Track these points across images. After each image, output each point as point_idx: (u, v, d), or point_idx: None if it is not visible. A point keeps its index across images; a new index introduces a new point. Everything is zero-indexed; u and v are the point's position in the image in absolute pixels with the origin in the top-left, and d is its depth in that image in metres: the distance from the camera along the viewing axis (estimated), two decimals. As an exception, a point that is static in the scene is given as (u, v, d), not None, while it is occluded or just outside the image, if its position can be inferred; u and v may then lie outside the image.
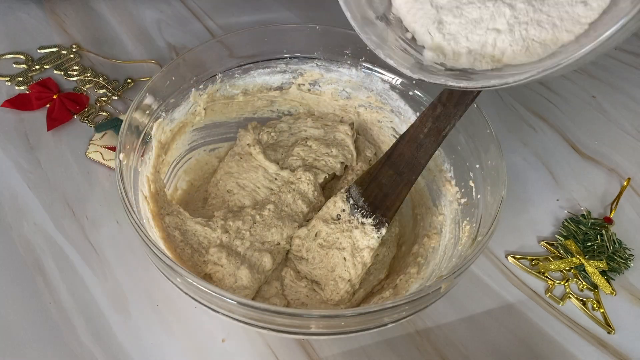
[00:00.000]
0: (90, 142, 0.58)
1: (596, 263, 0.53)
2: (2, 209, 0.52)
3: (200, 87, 0.53)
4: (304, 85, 0.58)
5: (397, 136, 0.57)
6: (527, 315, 0.50)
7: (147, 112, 0.48)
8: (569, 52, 0.33)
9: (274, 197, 0.51)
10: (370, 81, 0.56)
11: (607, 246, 0.54)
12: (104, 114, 0.62)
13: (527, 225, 0.57)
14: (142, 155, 0.47)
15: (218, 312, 0.39)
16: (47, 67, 0.66)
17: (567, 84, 0.73)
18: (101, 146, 0.58)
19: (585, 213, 0.57)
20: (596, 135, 0.67)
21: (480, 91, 0.43)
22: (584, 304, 0.51)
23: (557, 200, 0.59)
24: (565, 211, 0.58)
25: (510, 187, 0.55)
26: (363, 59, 0.56)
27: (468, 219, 0.47)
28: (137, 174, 0.46)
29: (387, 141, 0.58)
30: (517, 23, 0.36)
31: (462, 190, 0.50)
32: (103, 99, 0.63)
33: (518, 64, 0.37)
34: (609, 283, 0.52)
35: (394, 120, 0.57)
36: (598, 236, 0.55)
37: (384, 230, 0.47)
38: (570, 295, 0.51)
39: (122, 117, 0.61)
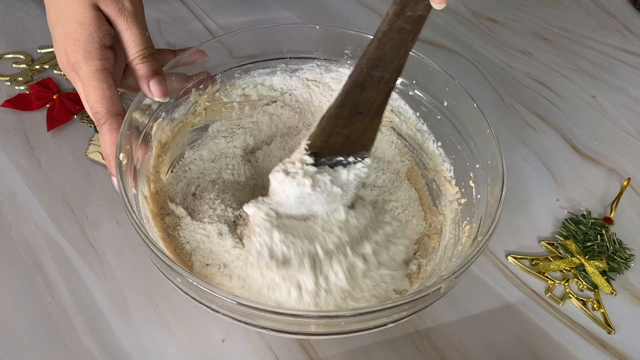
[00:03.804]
0: (90, 142, 0.58)
1: (596, 263, 0.53)
2: (2, 209, 0.52)
3: (200, 87, 0.53)
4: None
5: (398, 136, 0.57)
6: (527, 315, 0.50)
7: (147, 112, 0.48)
8: None
9: None
10: (370, 81, 0.56)
11: (607, 246, 0.54)
12: (104, 114, 0.62)
13: (527, 225, 0.57)
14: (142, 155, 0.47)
15: (218, 312, 0.39)
16: (47, 67, 0.66)
17: (567, 84, 0.73)
18: (100, 146, 0.58)
19: (585, 213, 0.57)
20: (596, 135, 0.67)
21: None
22: (584, 304, 0.51)
23: (557, 200, 0.59)
24: (565, 211, 0.58)
25: (510, 187, 0.55)
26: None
27: (468, 219, 0.47)
28: (137, 174, 0.46)
29: (385, 143, 0.58)
30: None
31: (462, 190, 0.50)
32: (103, 99, 0.63)
33: None
34: (609, 283, 0.52)
35: (394, 120, 0.57)
36: (598, 236, 0.55)
37: (368, 160, 0.46)
38: (571, 295, 0.51)
39: (122, 117, 0.61)
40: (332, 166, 0.45)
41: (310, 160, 0.43)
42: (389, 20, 0.38)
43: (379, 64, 0.40)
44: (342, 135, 0.44)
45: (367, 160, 0.45)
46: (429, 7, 0.38)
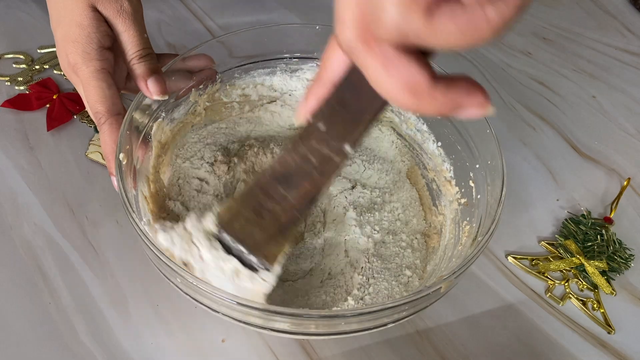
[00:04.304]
0: (90, 142, 0.58)
1: (596, 263, 0.53)
2: (2, 209, 0.52)
3: (200, 87, 0.53)
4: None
5: (398, 136, 0.57)
6: (527, 315, 0.50)
7: (147, 112, 0.48)
8: None
9: None
10: (370, 81, 0.56)
11: (607, 246, 0.54)
12: (104, 114, 0.62)
13: (527, 225, 0.57)
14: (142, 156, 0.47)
15: (218, 312, 0.39)
16: (47, 67, 0.66)
17: (567, 84, 0.73)
18: (101, 146, 0.58)
19: (585, 213, 0.57)
20: (596, 135, 0.67)
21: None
22: (584, 304, 0.51)
23: (557, 200, 0.59)
24: (565, 211, 0.58)
25: (510, 187, 0.55)
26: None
27: (468, 219, 0.47)
28: (137, 174, 0.46)
29: (386, 143, 0.58)
30: None
31: (462, 190, 0.50)
32: (103, 99, 0.63)
33: None
34: (609, 283, 0.52)
35: (394, 120, 0.57)
36: (598, 236, 0.55)
37: (268, 275, 0.38)
38: (571, 295, 0.51)
39: (122, 117, 0.61)
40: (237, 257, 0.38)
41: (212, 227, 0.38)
42: (293, 140, 0.33)
43: (283, 181, 0.35)
44: (248, 229, 0.37)
45: (267, 275, 0.38)
46: (345, 157, 0.32)
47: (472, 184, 0.49)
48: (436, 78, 0.25)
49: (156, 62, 0.47)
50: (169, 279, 0.40)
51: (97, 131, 0.59)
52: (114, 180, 0.43)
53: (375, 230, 0.49)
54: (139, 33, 0.46)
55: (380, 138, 0.58)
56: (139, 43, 0.46)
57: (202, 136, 0.54)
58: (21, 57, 0.67)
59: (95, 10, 0.44)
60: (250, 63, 0.56)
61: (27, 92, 0.63)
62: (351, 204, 0.50)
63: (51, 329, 0.45)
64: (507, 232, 0.55)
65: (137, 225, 0.39)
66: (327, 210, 0.51)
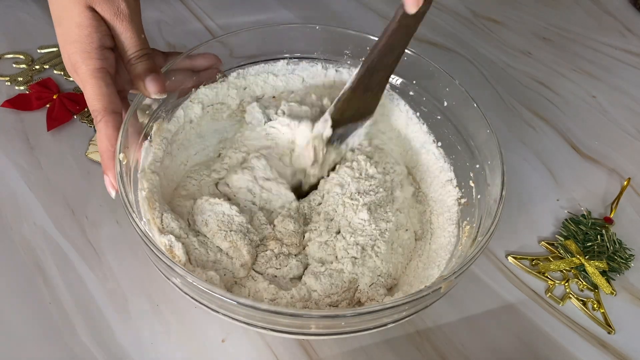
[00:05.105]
0: (90, 142, 0.58)
1: (596, 263, 0.53)
2: (2, 209, 0.52)
3: (201, 87, 0.53)
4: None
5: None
6: (527, 315, 0.50)
7: (147, 112, 0.48)
8: None
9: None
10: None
11: (607, 246, 0.54)
12: (104, 114, 0.62)
13: (527, 225, 0.57)
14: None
15: (218, 312, 0.39)
16: (47, 67, 0.66)
17: (567, 84, 0.73)
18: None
19: (585, 213, 0.57)
20: (596, 135, 0.67)
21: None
22: (584, 304, 0.51)
23: (557, 200, 0.59)
24: (566, 211, 0.58)
25: (510, 187, 0.55)
26: (363, 58, 0.55)
27: (468, 219, 0.47)
28: (137, 174, 0.46)
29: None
30: None
31: (462, 190, 0.50)
32: (103, 99, 0.63)
33: None
34: (609, 283, 0.52)
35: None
36: (598, 236, 0.55)
37: (369, 121, 0.52)
38: (571, 296, 0.51)
39: (122, 117, 0.61)
40: (341, 141, 0.52)
41: (329, 132, 0.50)
42: (399, 18, 0.43)
43: (388, 53, 0.47)
44: (353, 109, 0.50)
45: (368, 122, 0.52)
46: (429, 2, 0.43)
47: (472, 184, 0.49)
48: None
49: (154, 62, 0.47)
50: (168, 279, 0.40)
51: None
52: (107, 180, 0.43)
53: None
54: (136, 34, 0.46)
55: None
56: (136, 44, 0.46)
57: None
58: (21, 57, 0.67)
59: (93, 10, 0.44)
60: (251, 63, 0.56)
61: (27, 92, 0.63)
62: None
63: (51, 329, 0.45)
64: (507, 232, 0.55)
65: (137, 225, 0.39)
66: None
